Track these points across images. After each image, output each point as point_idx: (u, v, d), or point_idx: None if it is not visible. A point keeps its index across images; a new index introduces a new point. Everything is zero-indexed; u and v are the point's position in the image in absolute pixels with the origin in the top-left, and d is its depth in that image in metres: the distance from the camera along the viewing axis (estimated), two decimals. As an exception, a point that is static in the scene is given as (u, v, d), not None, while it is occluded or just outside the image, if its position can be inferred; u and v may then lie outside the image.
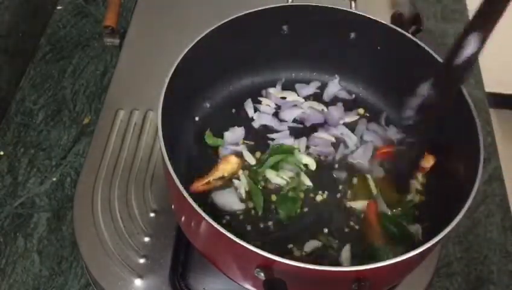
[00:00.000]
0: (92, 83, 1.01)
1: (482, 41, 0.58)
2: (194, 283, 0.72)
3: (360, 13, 0.76)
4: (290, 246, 0.68)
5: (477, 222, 0.87)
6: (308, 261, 0.51)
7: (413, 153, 0.71)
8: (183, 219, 0.65)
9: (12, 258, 0.79)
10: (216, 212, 0.70)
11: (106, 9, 0.94)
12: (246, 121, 0.80)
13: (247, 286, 0.61)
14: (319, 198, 0.73)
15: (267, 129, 0.80)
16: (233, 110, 0.81)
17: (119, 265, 0.71)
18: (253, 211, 0.71)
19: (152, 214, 0.75)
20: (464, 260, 0.82)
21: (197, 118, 0.79)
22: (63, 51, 1.06)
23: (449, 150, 0.72)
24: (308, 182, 0.74)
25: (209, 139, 0.77)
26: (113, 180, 0.78)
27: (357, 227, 0.70)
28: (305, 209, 0.72)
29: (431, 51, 0.71)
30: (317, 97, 0.84)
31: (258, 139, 0.78)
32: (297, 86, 0.84)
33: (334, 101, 0.84)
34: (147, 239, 0.73)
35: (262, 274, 0.53)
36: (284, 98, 0.83)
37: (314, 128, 0.80)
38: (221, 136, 0.77)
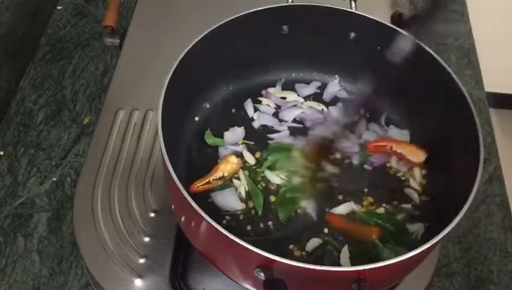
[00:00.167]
0: (92, 83, 1.01)
1: None
2: (194, 283, 0.72)
3: (360, 13, 0.76)
4: (291, 246, 0.68)
5: (477, 222, 0.87)
6: (308, 262, 0.51)
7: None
8: (183, 219, 0.65)
9: (12, 258, 0.80)
10: (216, 213, 0.70)
11: (106, 9, 0.94)
12: (246, 121, 0.80)
13: (247, 286, 0.61)
14: (320, 198, 0.73)
15: (267, 129, 0.80)
16: (233, 110, 0.81)
17: (119, 265, 0.71)
18: (253, 211, 0.71)
19: (152, 214, 0.75)
20: (464, 260, 0.82)
21: (197, 118, 0.79)
22: (63, 51, 1.06)
23: (449, 150, 0.72)
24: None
25: (209, 138, 0.77)
26: (113, 180, 0.78)
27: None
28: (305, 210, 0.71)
29: (431, 51, 0.71)
30: (317, 97, 0.84)
31: (258, 139, 0.78)
32: (297, 86, 0.84)
33: (334, 101, 0.84)
34: (147, 239, 0.73)
35: (262, 274, 0.53)
36: (284, 98, 0.83)
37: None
38: (221, 136, 0.77)
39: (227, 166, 0.73)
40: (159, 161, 0.81)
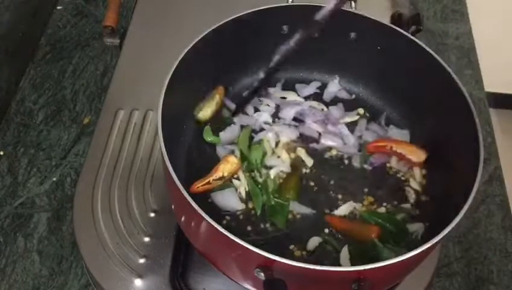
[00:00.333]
0: (92, 83, 1.01)
1: None
2: (194, 283, 0.72)
3: (360, 13, 0.76)
4: (291, 246, 0.68)
5: (477, 222, 0.87)
6: (308, 262, 0.51)
7: None
8: (183, 219, 0.65)
9: (12, 258, 0.80)
10: (216, 213, 0.70)
11: (106, 9, 0.94)
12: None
13: (247, 286, 0.61)
14: (320, 198, 0.73)
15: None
16: (234, 107, 0.81)
17: (119, 265, 0.71)
18: (253, 212, 0.71)
19: (152, 214, 0.75)
20: (464, 260, 0.82)
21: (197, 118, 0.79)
22: (63, 51, 1.06)
23: (449, 150, 0.72)
24: (309, 162, 0.75)
25: (208, 136, 0.77)
26: (113, 180, 0.78)
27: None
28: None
29: (431, 51, 0.71)
30: (317, 97, 0.84)
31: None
32: (297, 86, 0.84)
33: (334, 101, 0.84)
34: (147, 239, 0.73)
35: (262, 274, 0.53)
36: (284, 98, 0.83)
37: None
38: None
39: (227, 166, 0.73)
40: (159, 161, 0.81)
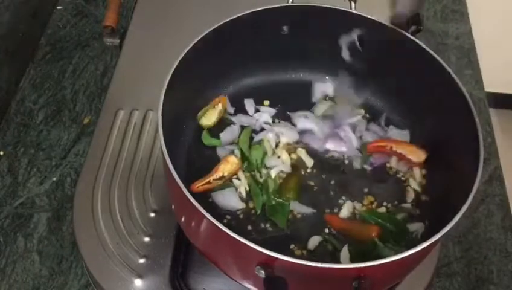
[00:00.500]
0: (92, 83, 1.01)
1: None
2: (194, 283, 0.72)
3: (360, 13, 0.76)
4: (292, 246, 0.68)
5: (477, 222, 0.87)
6: (308, 260, 0.51)
7: None
8: (183, 218, 0.65)
9: (12, 258, 0.80)
10: (216, 212, 0.70)
11: (106, 9, 0.94)
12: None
13: (248, 284, 0.61)
14: (320, 197, 0.73)
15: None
16: (233, 110, 0.81)
17: (119, 265, 0.71)
18: (253, 211, 0.71)
19: (152, 214, 0.75)
20: (464, 260, 0.82)
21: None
22: (63, 51, 1.06)
23: (449, 150, 0.72)
24: (310, 163, 0.75)
25: (206, 139, 0.77)
26: (113, 180, 0.78)
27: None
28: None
29: (431, 51, 0.71)
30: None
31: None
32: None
33: (332, 101, 0.84)
34: (147, 239, 0.73)
35: (262, 272, 0.53)
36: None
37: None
38: (219, 137, 0.77)
39: (227, 166, 0.73)
40: (159, 161, 0.81)
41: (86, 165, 0.81)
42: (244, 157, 0.74)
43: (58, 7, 1.13)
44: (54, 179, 0.88)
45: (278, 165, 0.75)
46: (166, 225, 0.74)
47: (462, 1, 1.19)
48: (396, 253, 0.54)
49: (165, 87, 0.64)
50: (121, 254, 0.72)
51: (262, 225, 0.70)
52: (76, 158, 0.91)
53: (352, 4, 0.84)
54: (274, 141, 0.77)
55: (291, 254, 0.67)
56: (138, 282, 0.70)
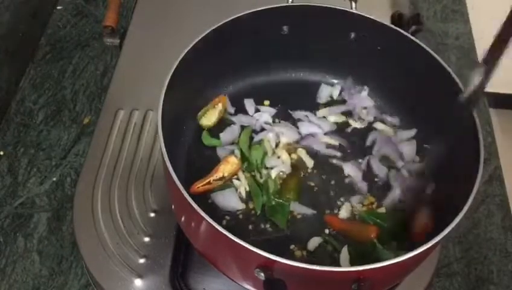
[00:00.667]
0: (92, 83, 1.01)
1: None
2: (194, 283, 0.72)
3: (360, 13, 0.76)
4: (292, 246, 0.68)
5: (477, 222, 0.87)
6: (308, 262, 0.51)
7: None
8: (183, 219, 0.65)
9: (12, 258, 0.80)
10: (216, 213, 0.70)
11: (106, 9, 0.94)
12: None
13: (247, 286, 0.61)
14: (320, 198, 0.73)
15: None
16: (234, 110, 0.81)
17: (119, 265, 0.71)
18: (253, 211, 0.71)
19: (152, 214, 0.75)
20: (464, 260, 0.82)
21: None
22: (63, 51, 1.06)
23: (449, 150, 0.71)
24: (310, 163, 0.75)
25: (206, 140, 0.77)
26: (113, 180, 0.78)
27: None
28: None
29: (431, 51, 0.71)
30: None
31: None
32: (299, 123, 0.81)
33: (331, 102, 0.83)
34: (147, 239, 0.73)
35: (262, 274, 0.53)
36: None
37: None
38: (219, 137, 0.77)
39: (227, 166, 0.73)
40: (159, 161, 0.81)
41: (86, 165, 0.81)
42: (244, 158, 0.74)
43: (58, 7, 1.13)
44: (54, 179, 0.88)
45: (278, 166, 0.75)
46: (166, 225, 0.74)
47: (462, 1, 1.19)
48: (396, 254, 0.54)
49: (165, 87, 0.64)
50: (121, 254, 0.72)
51: (262, 226, 0.70)
52: (76, 158, 0.90)
53: (353, 4, 0.84)
54: (274, 141, 0.77)
55: (291, 254, 0.67)
56: (138, 282, 0.70)
